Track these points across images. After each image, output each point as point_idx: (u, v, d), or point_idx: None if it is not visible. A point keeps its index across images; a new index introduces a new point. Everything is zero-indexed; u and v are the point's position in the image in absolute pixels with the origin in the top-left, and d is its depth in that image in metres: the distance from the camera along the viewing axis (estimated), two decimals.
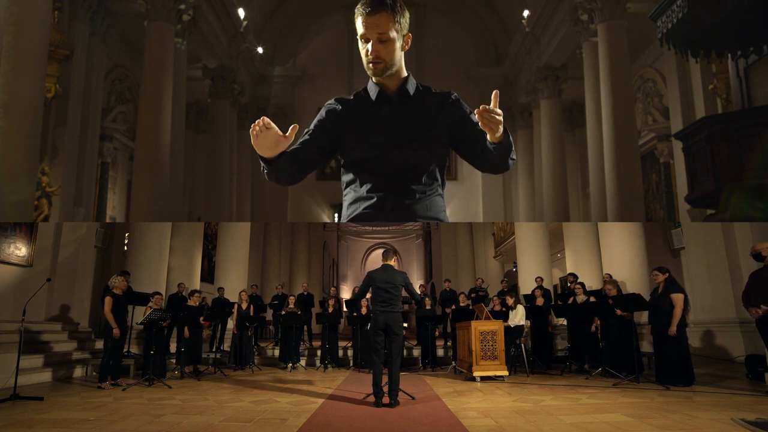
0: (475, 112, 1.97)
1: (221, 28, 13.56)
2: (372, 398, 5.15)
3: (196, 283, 11.66)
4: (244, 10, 13.91)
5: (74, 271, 9.31)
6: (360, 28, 2.14)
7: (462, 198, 16.55)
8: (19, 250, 8.29)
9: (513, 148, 2.15)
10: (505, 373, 6.94)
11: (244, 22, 14.12)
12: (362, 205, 2.22)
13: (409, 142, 2.19)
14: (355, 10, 2.15)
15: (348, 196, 2.29)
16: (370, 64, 2.17)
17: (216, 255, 13.29)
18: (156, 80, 10.43)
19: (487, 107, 1.96)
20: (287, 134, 2.09)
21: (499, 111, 1.97)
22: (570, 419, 4.23)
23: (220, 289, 10.98)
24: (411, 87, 2.27)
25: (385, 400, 5.10)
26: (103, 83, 11.56)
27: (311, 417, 4.50)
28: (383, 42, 2.13)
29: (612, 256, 9.84)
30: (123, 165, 13.10)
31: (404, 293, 5.47)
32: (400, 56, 2.21)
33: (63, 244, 9.12)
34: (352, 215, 2.25)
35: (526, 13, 13.66)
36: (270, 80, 16.88)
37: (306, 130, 2.31)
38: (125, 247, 10.86)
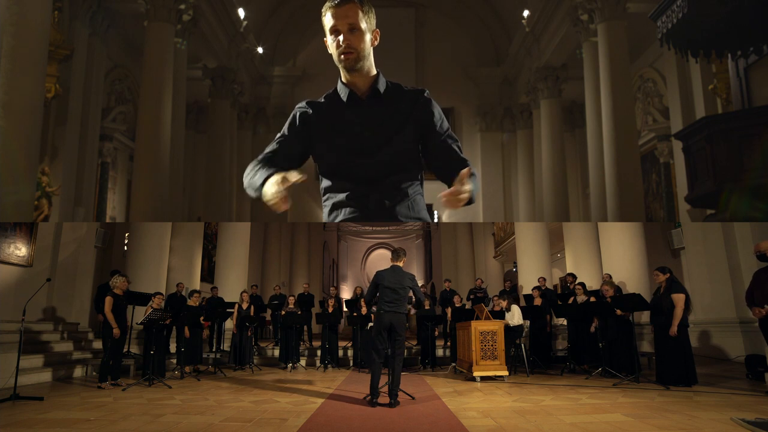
0: (441, 198, 1.93)
1: (221, 28, 13.57)
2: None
3: (196, 283, 11.66)
4: (244, 10, 13.92)
5: (74, 271, 9.32)
6: (329, 21, 2.15)
7: None
8: (19, 250, 8.29)
9: (475, 196, 2.09)
10: (505, 373, 6.94)
11: (244, 22, 14.13)
12: (343, 211, 2.21)
13: (384, 145, 2.17)
14: (323, 8, 2.17)
15: (327, 202, 2.27)
16: (342, 56, 2.17)
17: (216, 255, 13.28)
18: (156, 80, 10.43)
19: (453, 192, 1.91)
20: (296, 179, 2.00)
21: (464, 189, 1.92)
22: (570, 419, 4.23)
23: (214, 289, 10.97)
24: (381, 86, 2.24)
25: (385, 400, 5.10)
26: (103, 83, 11.55)
27: (311, 417, 4.49)
28: (353, 31, 2.14)
29: (612, 256, 9.84)
30: (123, 165, 13.09)
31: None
32: (370, 50, 2.21)
33: (63, 244, 9.12)
34: (336, 220, 2.24)
35: (526, 13, 13.66)
36: (270, 80, 16.88)
37: (278, 135, 2.30)
38: (125, 247, 10.86)
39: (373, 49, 2.23)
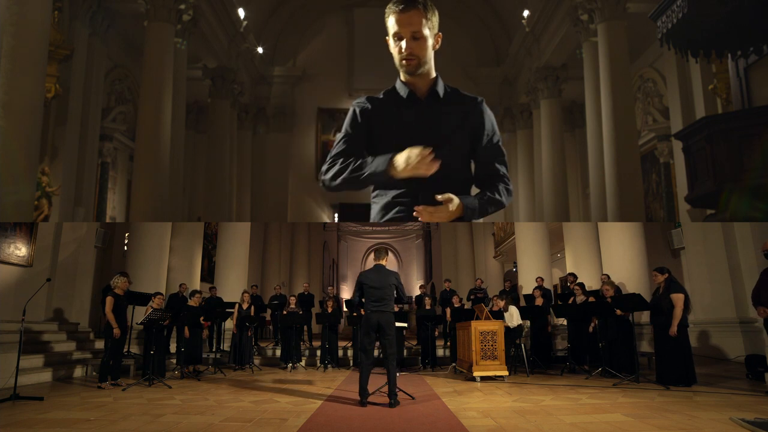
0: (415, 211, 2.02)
1: (221, 28, 13.57)
2: (373, 397, 5.15)
3: (196, 283, 11.66)
4: (244, 10, 13.92)
5: (74, 271, 9.32)
6: (393, 26, 2.16)
7: None
8: (19, 250, 8.29)
9: (500, 206, 2.20)
10: (505, 373, 6.94)
11: (244, 22, 14.13)
12: (393, 209, 2.22)
13: (439, 146, 2.17)
14: (387, 9, 2.17)
15: (377, 200, 2.27)
16: (404, 61, 2.19)
17: (216, 255, 13.29)
18: (156, 80, 10.42)
19: (420, 210, 2.01)
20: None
21: (435, 211, 2.00)
22: (570, 419, 4.23)
23: (213, 289, 10.97)
24: (440, 89, 2.27)
25: (377, 400, 5.09)
26: (103, 83, 11.55)
27: (311, 417, 4.49)
28: (416, 39, 2.16)
29: (612, 256, 9.84)
30: (123, 165, 13.09)
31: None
32: (431, 54, 2.23)
33: (63, 244, 9.12)
34: (385, 219, 2.26)
35: (526, 13, 13.66)
36: (270, 80, 16.88)
37: (341, 135, 2.30)
38: (125, 247, 10.86)
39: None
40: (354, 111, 2.30)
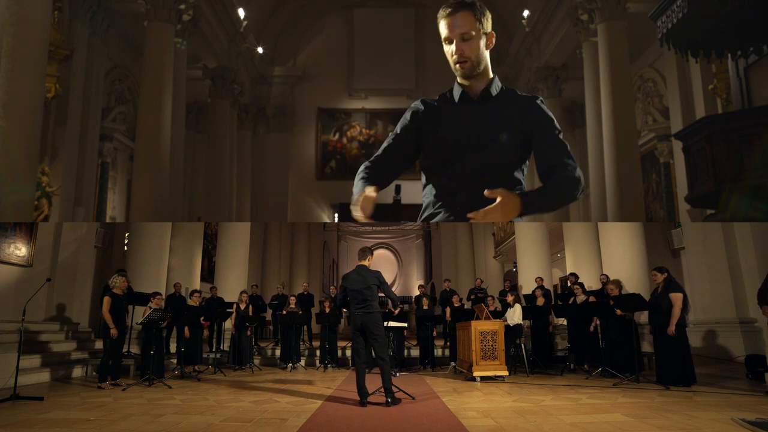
0: (469, 217, 1.95)
1: (221, 28, 13.57)
2: (373, 398, 5.15)
3: (196, 283, 11.66)
4: (244, 10, 13.92)
5: (74, 271, 9.32)
6: (443, 30, 2.17)
7: None
8: (19, 250, 8.29)
9: (565, 197, 2.08)
10: (505, 373, 6.93)
11: (244, 22, 14.13)
12: (432, 208, 2.22)
13: (489, 144, 2.16)
14: (438, 15, 2.18)
15: (425, 199, 2.28)
16: (457, 65, 2.19)
17: (216, 255, 13.29)
18: (156, 80, 10.43)
19: (475, 215, 1.91)
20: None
21: (490, 210, 1.89)
22: (570, 419, 4.23)
23: (213, 289, 10.97)
24: (495, 89, 2.26)
25: (380, 399, 5.10)
26: (103, 83, 11.55)
27: (311, 417, 4.49)
28: (466, 40, 2.15)
29: (612, 256, 9.84)
30: (123, 165, 13.09)
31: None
32: (485, 55, 2.21)
33: (63, 244, 9.12)
34: (423, 218, 2.26)
35: (526, 13, 13.66)
36: (270, 80, 16.88)
37: (391, 134, 2.32)
38: (125, 247, 10.86)
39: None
40: (407, 113, 2.34)
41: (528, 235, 12.07)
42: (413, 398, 5.41)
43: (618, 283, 7.43)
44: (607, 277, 8.88)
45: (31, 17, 7.41)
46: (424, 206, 2.27)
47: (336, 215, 17.00)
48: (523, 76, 15.19)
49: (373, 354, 5.26)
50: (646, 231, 10.11)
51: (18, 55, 7.24)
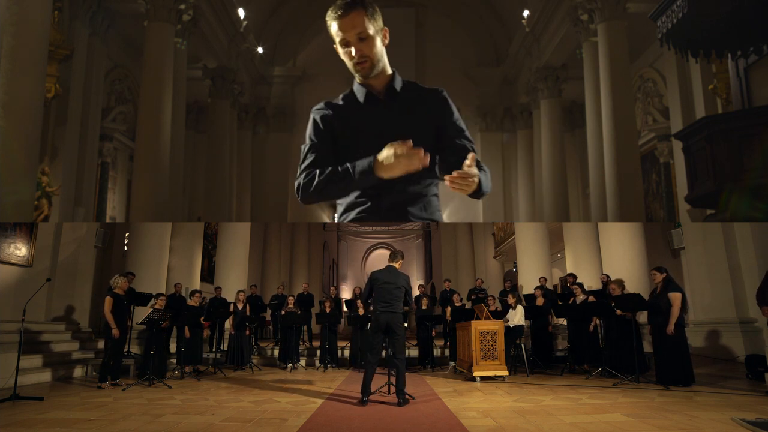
0: (446, 180, 1.92)
1: (221, 28, 13.56)
2: (373, 397, 5.15)
3: (196, 283, 11.66)
4: (244, 10, 13.91)
5: (74, 271, 9.31)
6: (336, 32, 2.13)
7: (462, 198, 16.27)
8: (19, 250, 8.29)
9: (487, 188, 2.11)
10: (505, 373, 6.94)
11: (244, 22, 14.12)
12: (356, 210, 2.19)
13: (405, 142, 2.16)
14: (326, 19, 2.13)
15: (341, 201, 2.24)
16: (357, 66, 2.15)
17: (216, 255, 13.29)
18: (156, 80, 10.43)
19: (460, 173, 1.89)
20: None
21: (472, 172, 1.91)
22: (570, 419, 4.23)
23: (217, 289, 10.97)
24: (398, 85, 2.23)
25: (384, 399, 5.10)
26: (103, 83, 11.55)
27: (311, 417, 4.49)
28: (363, 40, 2.11)
29: (612, 256, 9.84)
30: (123, 165, 13.09)
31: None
32: (382, 52, 2.18)
33: (63, 244, 9.12)
34: (346, 220, 2.23)
35: (526, 13, 13.65)
36: (270, 80, 16.88)
37: (306, 146, 2.23)
38: (125, 247, 10.86)
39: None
40: (314, 119, 2.24)
41: (528, 235, 12.08)
42: (413, 398, 5.41)
43: (620, 283, 7.43)
44: (608, 277, 8.87)
45: (31, 17, 7.41)
46: (344, 208, 2.22)
47: (336, 215, 16.99)
48: (523, 76, 15.19)
49: (391, 353, 5.28)
50: (646, 231, 10.11)
51: (18, 55, 7.24)
